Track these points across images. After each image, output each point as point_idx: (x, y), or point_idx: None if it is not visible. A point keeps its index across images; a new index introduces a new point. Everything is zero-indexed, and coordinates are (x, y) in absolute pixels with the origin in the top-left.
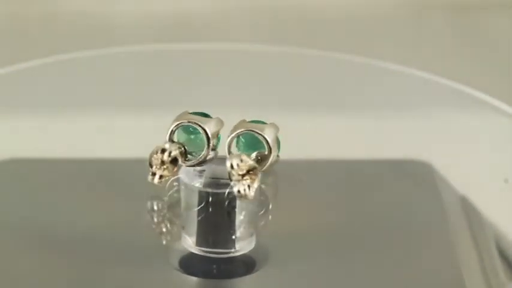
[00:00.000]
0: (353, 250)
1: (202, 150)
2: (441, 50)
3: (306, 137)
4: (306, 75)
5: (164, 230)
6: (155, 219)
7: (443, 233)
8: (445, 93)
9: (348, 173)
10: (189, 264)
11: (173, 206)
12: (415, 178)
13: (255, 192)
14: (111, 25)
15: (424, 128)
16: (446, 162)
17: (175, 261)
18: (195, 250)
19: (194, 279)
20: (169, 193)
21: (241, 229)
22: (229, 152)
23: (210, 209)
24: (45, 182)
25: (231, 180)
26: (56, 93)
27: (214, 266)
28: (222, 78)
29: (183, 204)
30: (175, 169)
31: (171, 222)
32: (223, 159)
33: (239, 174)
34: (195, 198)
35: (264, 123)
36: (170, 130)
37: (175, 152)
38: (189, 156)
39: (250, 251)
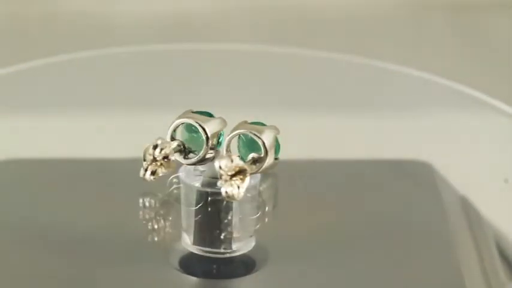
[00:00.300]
0: (353, 250)
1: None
2: (441, 50)
3: (306, 137)
4: (306, 75)
5: (164, 229)
6: (155, 219)
7: (443, 233)
8: (445, 93)
9: (348, 173)
10: (189, 264)
11: (173, 205)
12: (415, 178)
13: (254, 194)
14: (111, 25)
15: (424, 128)
16: (446, 162)
17: (175, 261)
18: (193, 249)
19: (194, 279)
20: (170, 192)
21: (239, 229)
22: (228, 152)
23: (208, 209)
24: (45, 182)
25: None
26: (56, 93)
27: (214, 266)
28: (222, 78)
29: (182, 203)
30: (169, 166)
31: (171, 222)
32: None
33: (228, 175)
34: (194, 198)
35: (264, 125)
36: (171, 128)
37: (167, 149)
38: (190, 154)
39: (249, 251)
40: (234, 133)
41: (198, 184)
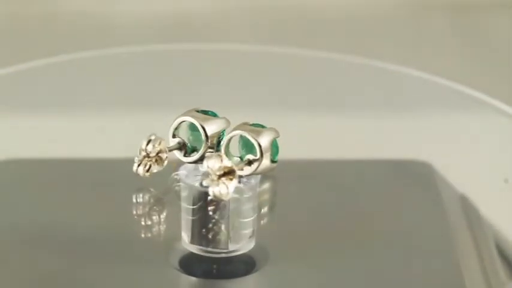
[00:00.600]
0: (353, 250)
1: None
2: (441, 50)
3: (306, 137)
4: (306, 75)
5: (164, 229)
6: (155, 218)
7: (443, 233)
8: (445, 93)
9: (348, 173)
10: (189, 264)
11: (173, 204)
12: (415, 178)
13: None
14: (111, 25)
15: (424, 128)
16: (446, 162)
17: (175, 261)
18: (190, 247)
19: (194, 279)
20: (171, 188)
21: (237, 229)
22: (226, 152)
23: (206, 208)
24: (45, 182)
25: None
26: (56, 93)
27: (214, 266)
28: (222, 78)
29: (181, 201)
30: (163, 162)
31: (171, 221)
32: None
33: (216, 175)
34: (192, 196)
35: (264, 127)
36: (173, 126)
37: (160, 145)
38: (193, 152)
39: (249, 251)
40: (230, 134)
41: (197, 184)
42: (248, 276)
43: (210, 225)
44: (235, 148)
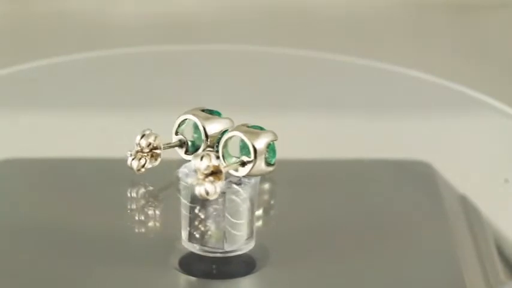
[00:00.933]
0: (353, 250)
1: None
2: (441, 50)
3: (306, 137)
4: (306, 75)
5: (164, 229)
6: (154, 218)
7: (443, 232)
8: (445, 93)
9: (348, 173)
10: (189, 264)
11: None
12: (415, 178)
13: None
14: (111, 25)
15: (425, 128)
16: (446, 162)
17: (175, 261)
18: (188, 246)
19: (194, 279)
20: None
21: (232, 230)
22: (223, 152)
23: (204, 207)
24: (44, 182)
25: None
26: (56, 93)
27: (214, 266)
28: (222, 78)
29: (181, 199)
30: (158, 158)
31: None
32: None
33: (203, 174)
34: (190, 195)
35: (263, 129)
36: (176, 123)
37: (154, 140)
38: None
39: (249, 251)
40: (227, 135)
41: (194, 182)
42: (248, 276)
43: (207, 224)
44: (237, 149)
